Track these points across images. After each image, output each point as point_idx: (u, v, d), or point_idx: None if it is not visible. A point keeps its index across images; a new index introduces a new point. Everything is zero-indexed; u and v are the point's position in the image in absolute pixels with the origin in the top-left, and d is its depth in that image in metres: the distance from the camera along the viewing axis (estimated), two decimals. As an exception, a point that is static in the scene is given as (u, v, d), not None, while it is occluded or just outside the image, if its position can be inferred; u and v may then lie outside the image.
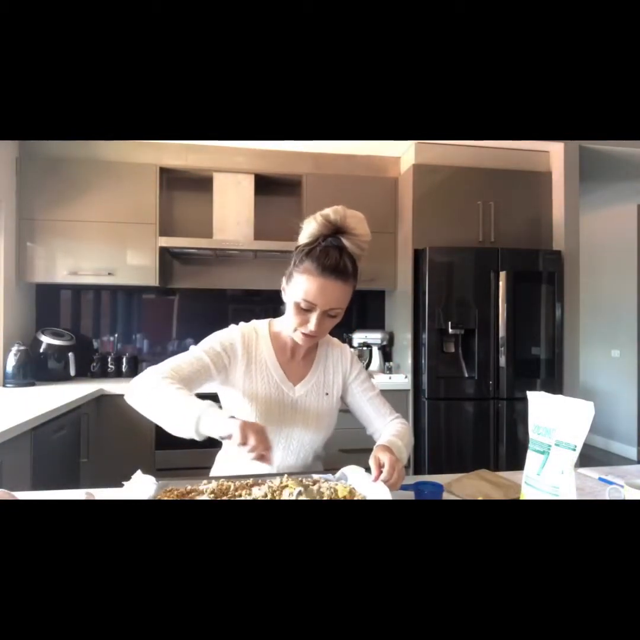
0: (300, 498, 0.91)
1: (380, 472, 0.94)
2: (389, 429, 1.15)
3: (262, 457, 0.88)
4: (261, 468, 1.14)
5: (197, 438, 0.91)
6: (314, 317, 1.02)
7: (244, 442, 0.87)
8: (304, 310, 1.03)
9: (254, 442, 0.87)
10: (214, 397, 1.17)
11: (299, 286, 1.02)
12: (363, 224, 1.04)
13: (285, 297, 1.09)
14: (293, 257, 1.06)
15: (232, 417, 0.91)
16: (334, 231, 1.03)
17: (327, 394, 1.17)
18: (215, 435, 0.90)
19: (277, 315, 1.21)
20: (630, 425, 4.18)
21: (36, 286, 2.84)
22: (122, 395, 2.76)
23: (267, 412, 1.11)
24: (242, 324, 1.17)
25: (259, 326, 1.17)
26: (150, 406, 0.97)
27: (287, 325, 1.08)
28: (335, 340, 1.24)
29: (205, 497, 0.91)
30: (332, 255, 1.01)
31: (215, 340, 1.10)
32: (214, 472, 1.23)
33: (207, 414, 0.91)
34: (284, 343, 1.15)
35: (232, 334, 1.12)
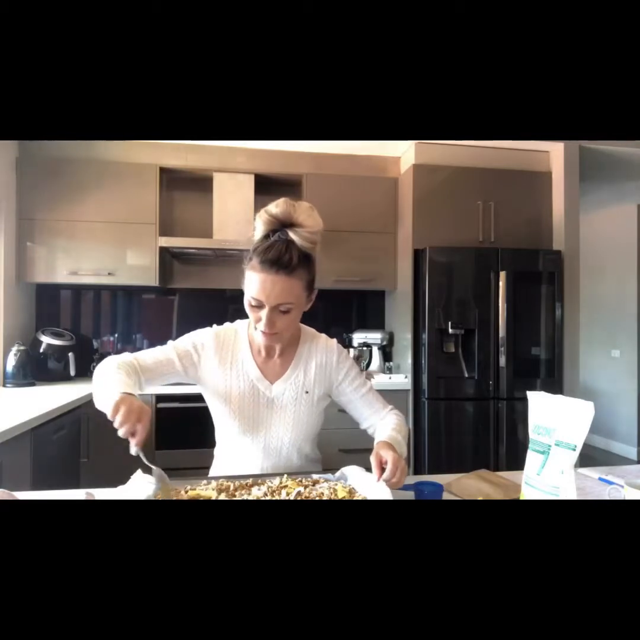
0: (300, 498, 0.91)
1: (382, 469, 0.93)
2: (386, 423, 1.14)
3: (131, 436, 0.87)
4: (262, 468, 1.15)
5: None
6: (263, 314, 1.01)
7: (114, 415, 0.87)
8: (255, 308, 1.03)
9: (121, 417, 0.86)
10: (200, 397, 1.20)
11: (247, 284, 1.03)
12: (311, 215, 1.01)
13: None
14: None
15: (124, 394, 0.91)
16: (281, 225, 1.01)
17: (306, 392, 1.15)
18: (107, 411, 0.90)
19: None
20: (631, 425, 4.18)
21: (36, 286, 2.84)
22: (122, 395, 2.69)
23: (242, 410, 1.12)
24: (222, 325, 1.19)
25: (240, 326, 1.18)
26: (93, 383, 1.01)
27: (251, 324, 1.10)
28: (323, 337, 1.21)
29: (206, 493, 0.91)
30: (276, 249, 0.99)
31: (188, 338, 1.14)
32: (213, 468, 1.24)
33: (111, 393, 0.92)
34: (259, 342, 1.13)
35: (205, 335, 1.15)
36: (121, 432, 0.87)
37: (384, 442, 1.03)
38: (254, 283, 1.00)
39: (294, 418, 1.14)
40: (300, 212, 1.00)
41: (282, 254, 0.98)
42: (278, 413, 1.13)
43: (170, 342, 1.14)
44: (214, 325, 1.18)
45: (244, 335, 1.16)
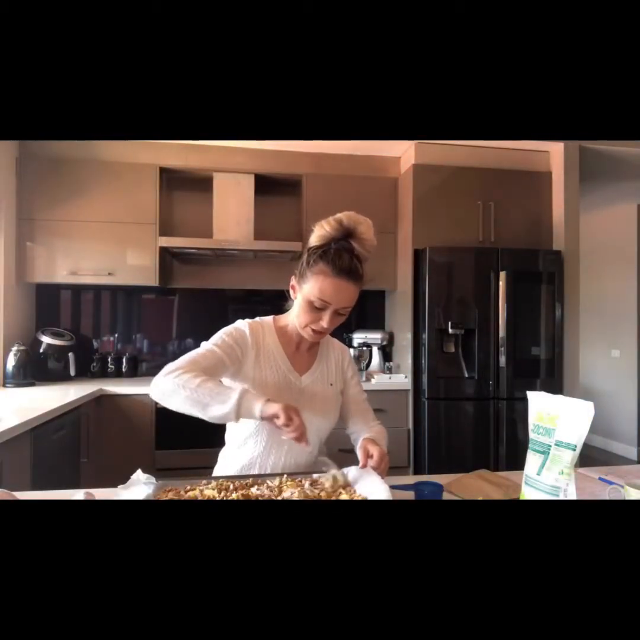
0: (299, 498, 0.91)
1: (367, 460, 1.03)
2: (370, 429, 1.23)
3: (302, 436, 0.96)
4: (261, 468, 1.15)
5: (234, 421, 0.98)
6: (326, 316, 1.08)
7: (288, 422, 0.94)
8: (317, 309, 1.09)
9: (297, 422, 0.95)
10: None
11: (314, 286, 1.07)
12: (371, 230, 1.11)
13: (295, 295, 1.14)
14: (304, 257, 1.11)
15: (269, 400, 0.98)
16: (345, 235, 1.09)
17: (331, 384, 1.23)
18: (255, 416, 0.97)
19: (278, 314, 1.25)
20: (630, 425, 4.18)
21: (36, 286, 2.84)
22: (122, 395, 2.74)
23: (278, 399, 1.12)
24: (245, 319, 1.21)
25: (265, 321, 1.23)
26: (182, 398, 1.00)
27: (297, 322, 1.13)
28: (335, 339, 1.31)
29: (205, 492, 0.91)
30: (345, 257, 1.07)
31: (226, 333, 1.15)
32: (217, 470, 1.24)
33: (246, 398, 0.98)
34: (289, 336, 1.20)
35: (242, 327, 1.17)
36: (293, 435, 0.96)
37: (369, 438, 1.12)
38: (325, 286, 1.06)
39: (323, 407, 1.20)
40: (364, 226, 1.09)
41: (351, 262, 1.07)
42: (308, 402, 1.18)
43: (203, 344, 1.12)
44: (245, 320, 1.20)
45: (271, 328, 1.21)
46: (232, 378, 1.16)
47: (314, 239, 1.11)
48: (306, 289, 1.09)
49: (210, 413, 0.98)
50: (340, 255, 1.07)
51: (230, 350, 1.12)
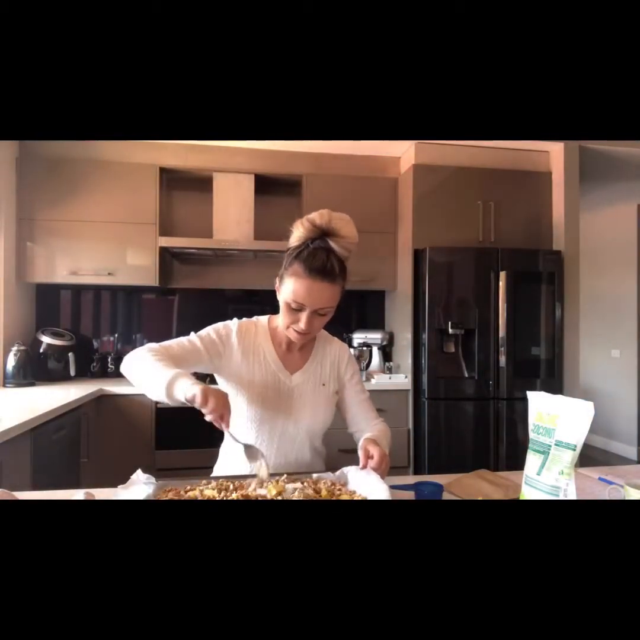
0: (299, 497, 0.91)
1: (368, 460, 1.02)
2: (372, 428, 1.22)
3: (221, 418, 0.94)
4: (273, 459, 1.17)
5: (169, 402, 0.98)
6: (304, 317, 1.08)
7: (204, 403, 0.92)
8: (295, 310, 1.09)
9: (213, 404, 0.93)
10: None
11: (289, 287, 1.07)
12: (349, 226, 1.08)
13: (278, 296, 1.14)
14: (284, 259, 1.11)
15: (197, 383, 0.96)
16: (321, 234, 1.07)
17: (323, 384, 1.22)
18: (182, 397, 0.95)
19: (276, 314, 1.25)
20: (630, 425, 4.18)
21: (36, 286, 2.84)
22: (122, 395, 2.74)
23: (264, 397, 1.17)
24: (242, 318, 1.24)
25: (260, 320, 1.25)
26: (132, 373, 1.05)
27: (281, 323, 1.14)
28: (336, 339, 1.30)
29: (205, 492, 0.91)
30: (319, 257, 1.05)
31: (214, 328, 1.19)
32: (217, 465, 1.27)
33: (177, 379, 0.97)
34: (281, 337, 1.21)
35: (229, 325, 1.20)
36: (211, 417, 0.94)
37: (370, 438, 1.11)
38: (298, 288, 1.06)
39: (312, 407, 1.20)
40: (340, 223, 1.07)
41: (325, 262, 1.05)
42: (297, 400, 1.19)
43: (192, 333, 1.17)
44: (234, 319, 1.24)
45: (264, 328, 1.23)
46: (218, 373, 1.20)
47: (292, 240, 1.10)
48: (284, 291, 1.09)
49: (150, 389, 1.00)
50: (315, 255, 1.05)
51: (211, 344, 1.15)
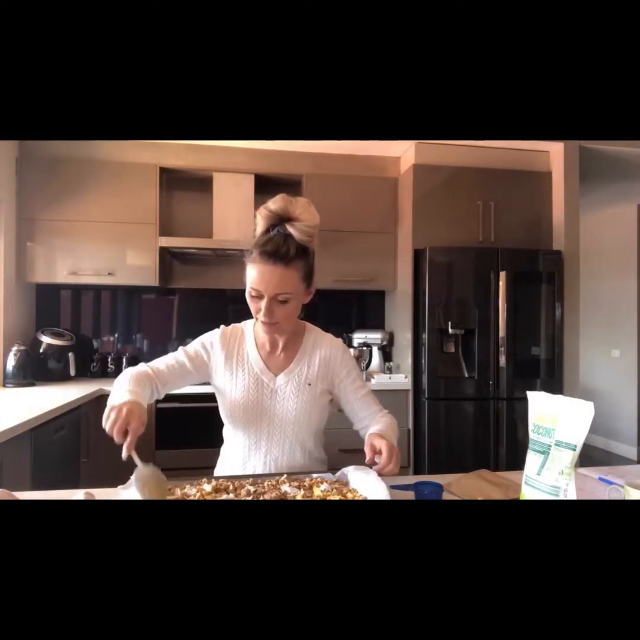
0: (300, 497, 0.91)
1: (374, 455, 0.98)
2: (378, 421, 1.18)
3: (114, 435, 0.90)
4: (265, 462, 1.17)
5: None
6: (263, 304, 1.06)
7: (106, 418, 0.91)
8: (255, 298, 1.07)
9: (108, 424, 0.90)
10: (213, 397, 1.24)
11: (248, 275, 1.07)
12: (308, 210, 1.07)
13: None
14: None
15: (128, 401, 0.95)
16: (279, 220, 1.07)
17: (309, 384, 1.18)
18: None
19: None
20: (630, 425, 4.18)
21: (36, 286, 2.84)
22: (122, 395, 2.68)
23: (247, 400, 1.17)
24: (231, 325, 1.24)
25: (246, 324, 1.25)
26: (115, 386, 1.08)
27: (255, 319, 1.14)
28: (329, 335, 1.25)
29: (205, 491, 0.91)
30: (274, 241, 1.04)
31: (197, 340, 1.21)
32: (218, 466, 1.26)
33: (114, 398, 0.99)
34: (264, 338, 1.19)
35: (213, 334, 1.22)
36: (115, 438, 0.90)
37: (376, 433, 1.07)
38: (254, 274, 1.05)
39: (297, 409, 1.17)
40: (297, 207, 1.06)
41: (280, 246, 1.03)
42: (281, 403, 1.17)
43: (180, 348, 1.20)
44: (222, 326, 1.24)
45: (250, 331, 1.22)
46: (210, 381, 1.21)
47: (257, 230, 1.09)
48: (247, 281, 1.08)
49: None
50: (270, 240, 1.04)
51: (195, 355, 1.18)
